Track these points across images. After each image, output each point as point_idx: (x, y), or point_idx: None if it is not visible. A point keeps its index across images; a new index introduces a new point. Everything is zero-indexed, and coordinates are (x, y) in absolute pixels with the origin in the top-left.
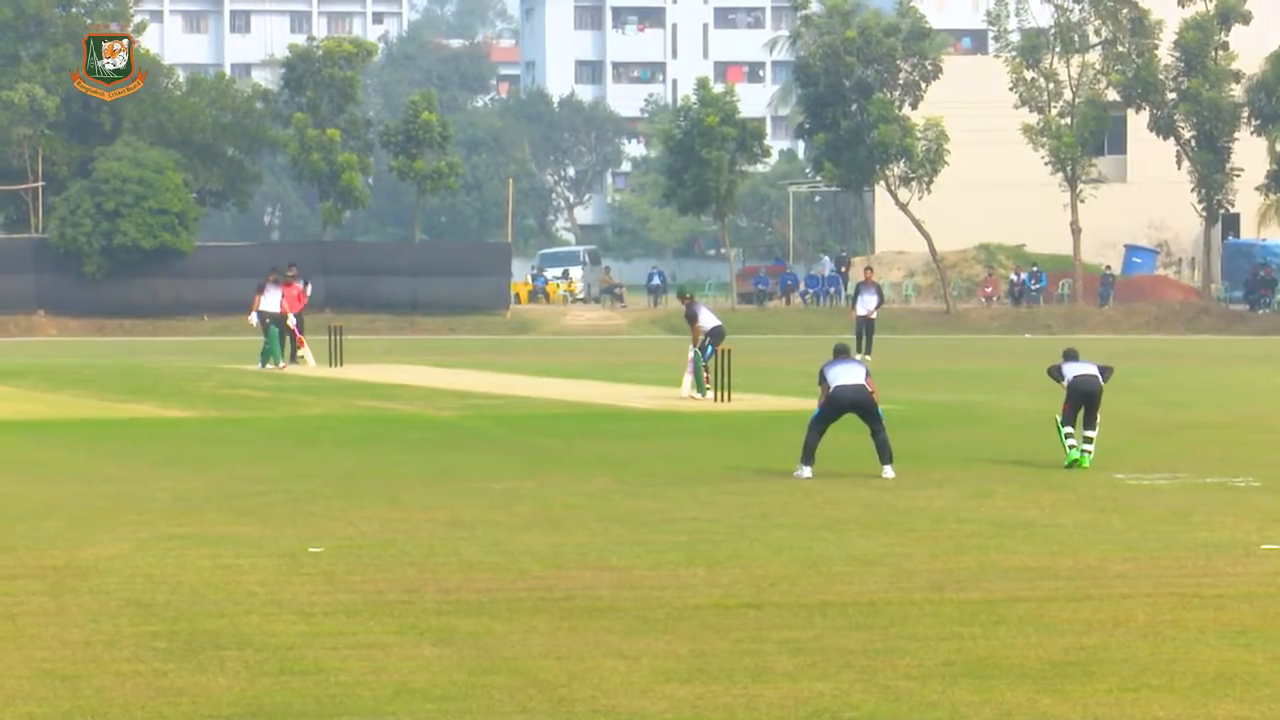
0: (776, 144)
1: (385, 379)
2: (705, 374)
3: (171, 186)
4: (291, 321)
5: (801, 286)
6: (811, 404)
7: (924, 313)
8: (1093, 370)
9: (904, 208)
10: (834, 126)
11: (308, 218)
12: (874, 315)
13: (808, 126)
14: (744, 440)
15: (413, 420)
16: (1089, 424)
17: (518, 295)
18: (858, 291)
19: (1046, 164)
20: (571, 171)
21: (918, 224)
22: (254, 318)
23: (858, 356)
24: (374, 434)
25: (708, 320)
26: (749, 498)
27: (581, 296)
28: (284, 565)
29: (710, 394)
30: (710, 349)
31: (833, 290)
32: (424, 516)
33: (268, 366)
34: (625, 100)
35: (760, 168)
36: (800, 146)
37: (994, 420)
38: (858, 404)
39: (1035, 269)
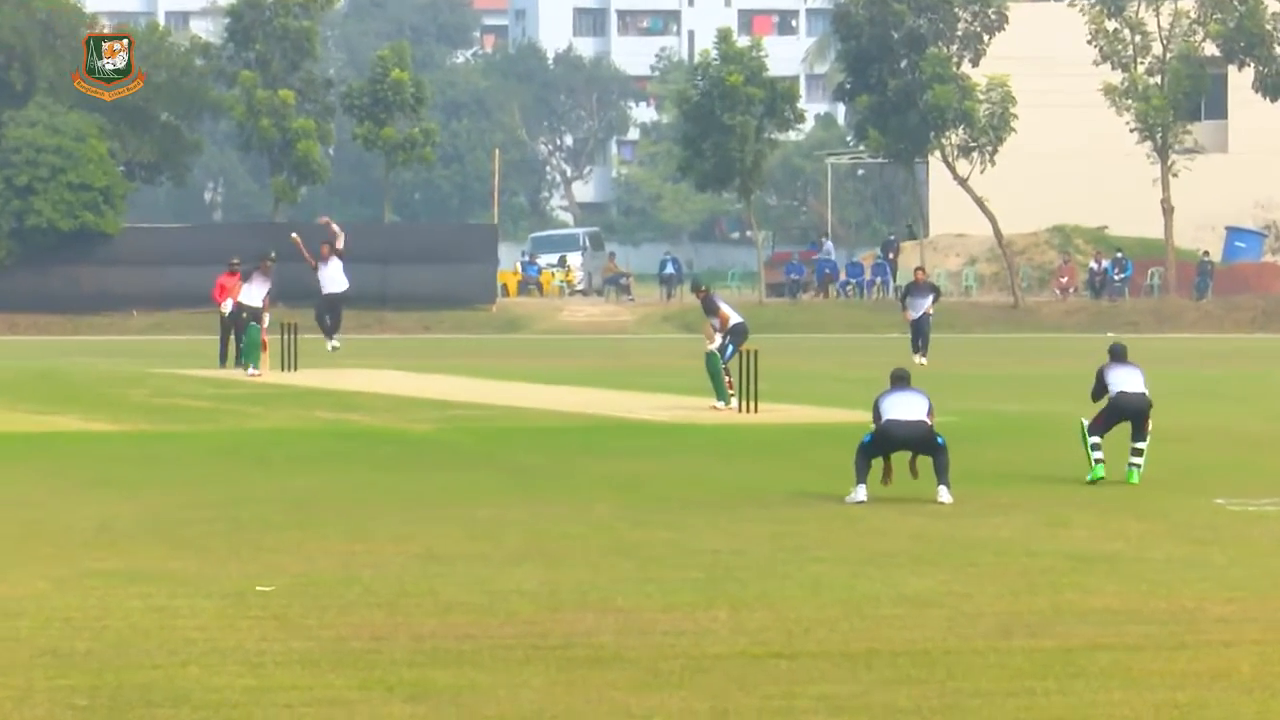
0: (811, 108)
1: (348, 385)
2: (727, 378)
3: (95, 158)
4: (265, 321)
5: (842, 276)
6: (854, 418)
7: (987, 307)
8: (1140, 387)
9: (963, 183)
10: (880, 87)
11: (256, 195)
12: (930, 312)
13: (849, 87)
14: (773, 458)
15: (381, 435)
16: (1138, 434)
17: (505, 287)
18: (907, 293)
19: (1132, 131)
20: (569, 140)
21: (980, 202)
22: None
23: (917, 358)
24: (335, 451)
25: (732, 314)
26: (780, 526)
27: (581, 288)
28: (228, 607)
29: (735, 402)
30: (731, 349)
31: (879, 281)
32: (394, 549)
33: (251, 371)
34: (632, 56)
35: (793, 136)
36: (840, 110)
37: (1070, 435)
38: (911, 441)
39: (1119, 255)
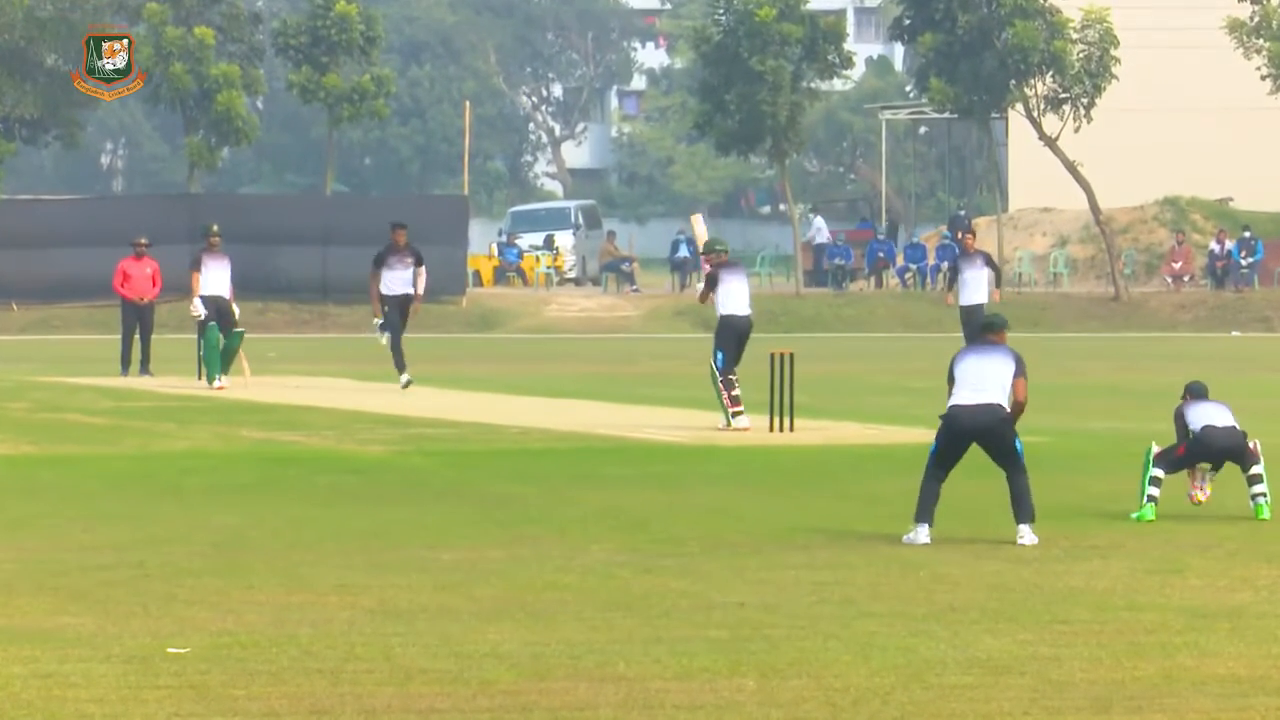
0: (862, 49)
1: (282, 398)
2: (733, 390)
3: None
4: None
5: (900, 261)
6: (913, 438)
7: (1082, 299)
8: (1230, 420)
9: (1052, 144)
10: (948, 23)
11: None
12: (996, 297)
13: (909, 23)
14: (813, 488)
15: (322, 459)
16: (1247, 463)
17: (478, 274)
18: (955, 268)
19: (1264, 78)
20: (558, 91)
21: (1072, 168)
22: (198, 305)
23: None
24: (265, 479)
25: (726, 300)
26: (821, 574)
27: (573, 275)
28: (132, 673)
29: (744, 420)
30: (722, 355)
31: (945, 267)
32: (339, 601)
33: (217, 383)
34: None
35: (838, 85)
36: (898, 53)
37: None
38: (982, 431)
39: (1247, 235)
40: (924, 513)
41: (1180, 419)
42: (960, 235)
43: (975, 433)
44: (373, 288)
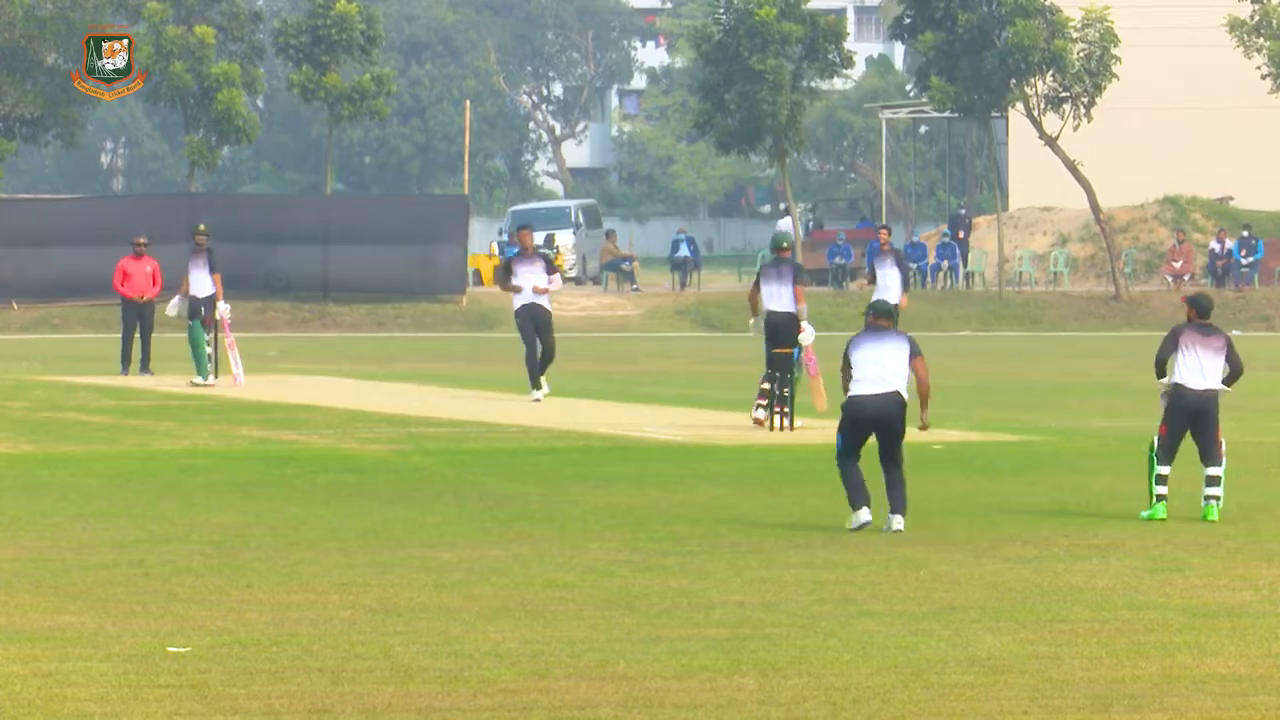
0: (862, 48)
1: (282, 397)
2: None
3: None
4: (224, 312)
5: None
6: (915, 436)
7: (1082, 298)
8: (1214, 375)
9: (1052, 143)
10: (948, 22)
11: (166, 158)
12: (903, 304)
13: (909, 21)
14: (813, 486)
15: (323, 458)
16: (1207, 457)
17: (479, 273)
18: (871, 264)
19: (1265, 77)
20: (559, 90)
21: (1072, 167)
22: (175, 305)
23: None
24: (265, 478)
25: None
26: (821, 572)
27: (574, 274)
28: (132, 672)
29: (761, 413)
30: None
31: (946, 266)
32: (339, 600)
33: (205, 380)
34: None
35: (839, 84)
36: (898, 52)
37: (1185, 456)
38: (883, 421)
39: (1247, 234)
40: (859, 496)
41: (1167, 347)
42: (966, 232)
43: (876, 422)
44: (502, 283)
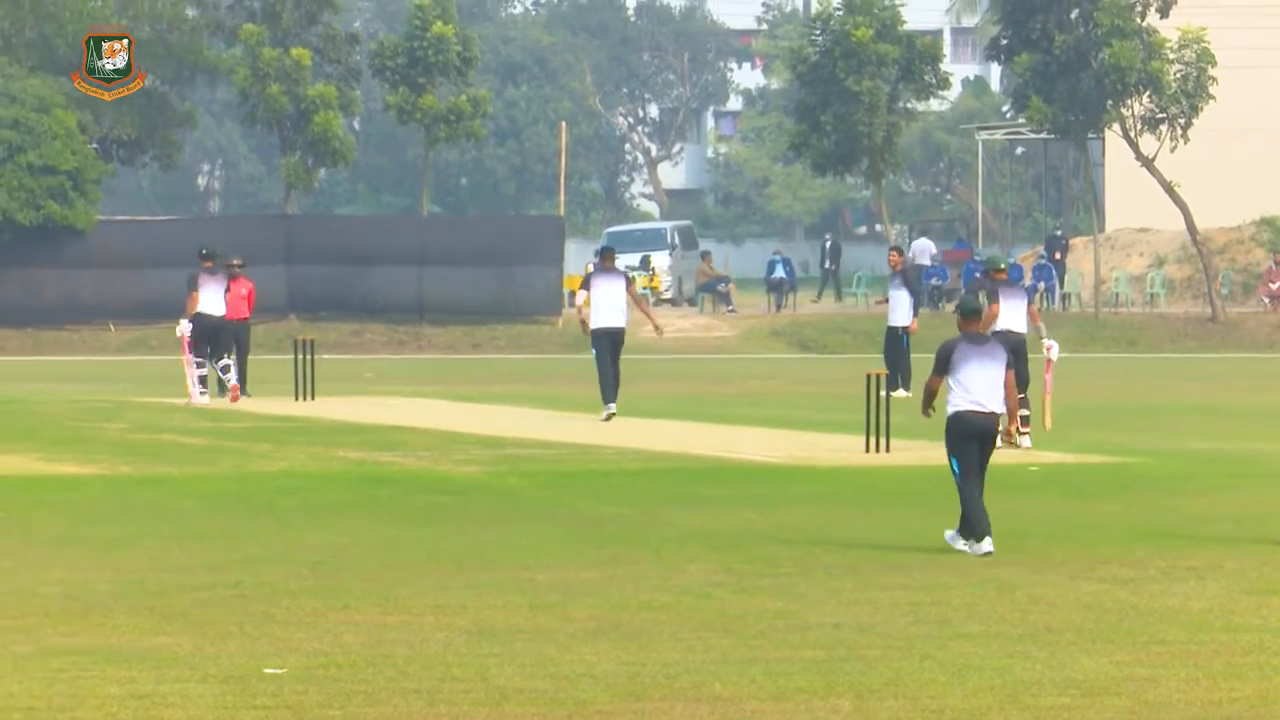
0: (958, 70)
1: (378, 418)
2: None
3: (62, 133)
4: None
5: None
6: (1011, 458)
7: (1179, 319)
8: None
9: (1148, 164)
10: (1045, 43)
11: (263, 179)
12: (913, 328)
13: (1006, 43)
14: (908, 509)
15: (419, 479)
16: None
17: (574, 295)
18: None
19: None
20: (654, 111)
21: (1169, 188)
22: (184, 326)
23: (899, 392)
24: (361, 500)
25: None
26: (917, 594)
27: (669, 296)
28: (228, 693)
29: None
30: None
31: (1042, 287)
32: (435, 621)
33: (198, 392)
34: (734, 4)
35: (935, 105)
36: (994, 73)
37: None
38: (985, 438)
39: None
40: (975, 526)
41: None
42: (1062, 253)
43: (979, 437)
44: (581, 313)
